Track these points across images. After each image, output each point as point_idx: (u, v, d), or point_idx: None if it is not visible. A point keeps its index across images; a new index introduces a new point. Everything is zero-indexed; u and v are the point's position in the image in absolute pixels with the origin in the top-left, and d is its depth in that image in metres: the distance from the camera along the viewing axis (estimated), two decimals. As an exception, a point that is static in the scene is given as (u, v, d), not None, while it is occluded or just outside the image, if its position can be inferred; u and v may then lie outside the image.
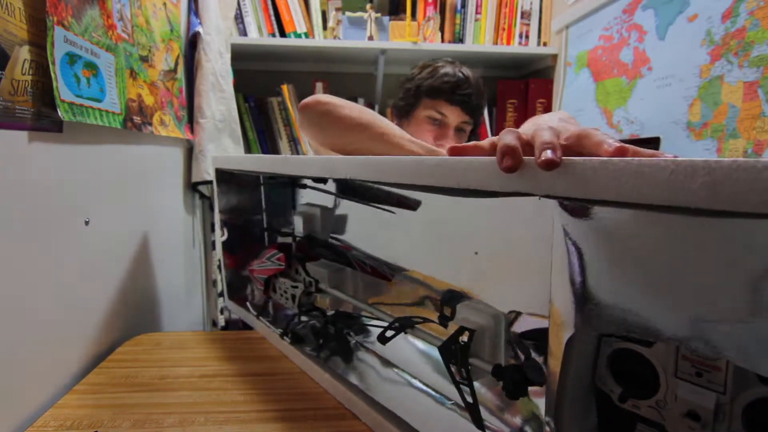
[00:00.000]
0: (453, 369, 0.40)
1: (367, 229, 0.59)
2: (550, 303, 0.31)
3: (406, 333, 0.49)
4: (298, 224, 0.68)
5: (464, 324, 0.41)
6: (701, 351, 0.27)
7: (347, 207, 0.63)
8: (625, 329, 0.27)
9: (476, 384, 0.42)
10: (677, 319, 0.24)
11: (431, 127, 0.93)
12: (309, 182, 0.70)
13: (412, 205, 0.50)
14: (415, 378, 0.51)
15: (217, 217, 0.76)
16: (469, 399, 0.38)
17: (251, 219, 0.78)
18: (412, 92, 0.94)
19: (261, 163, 0.63)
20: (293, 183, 0.74)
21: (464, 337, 0.40)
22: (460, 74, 0.91)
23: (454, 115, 0.91)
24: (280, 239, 0.76)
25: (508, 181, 0.29)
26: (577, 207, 0.27)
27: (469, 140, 0.99)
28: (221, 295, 1.16)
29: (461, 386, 0.39)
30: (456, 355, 0.40)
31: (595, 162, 0.24)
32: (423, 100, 0.93)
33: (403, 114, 0.98)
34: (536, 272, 0.35)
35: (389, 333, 0.47)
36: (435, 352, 0.51)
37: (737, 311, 0.22)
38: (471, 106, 0.91)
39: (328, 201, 0.66)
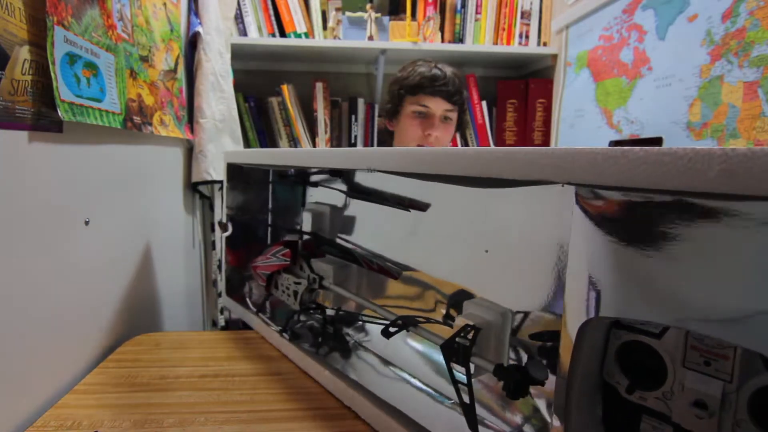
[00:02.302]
0: (453, 368, 0.40)
1: (375, 228, 0.59)
2: (564, 290, 0.31)
3: (408, 331, 0.48)
4: (306, 222, 0.68)
5: (470, 320, 0.41)
6: (715, 338, 0.27)
7: (356, 205, 0.63)
8: (640, 316, 0.27)
9: (476, 384, 0.42)
10: (694, 305, 0.25)
11: (418, 120, 1.02)
12: (319, 180, 0.70)
13: (422, 206, 0.50)
14: (414, 378, 0.51)
15: (224, 213, 0.76)
16: (466, 399, 0.38)
17: (258, 216, 0.78)
18: (396, 93, 1.04)
19: (276, 156, 0.63)
20: (303, 180, 0.75)
21: (468, 335, 0.40)
22: (436, 70, 1.01)
23: (436, 105, 1.00)
24: (287, 237, 0.76)
25: (530, 169, 0.30)
26: (597, 194, 0.28)
27: (457, 128, 1.09)
28: (221, 295, 1.16)
29: (460, 386, 0.39)
30: (458, 353, 0.40)
31: (617, 151, 0.26)
32: (407, 98, 1.03)
33: (392, 115, 1.08)
34: (550, 266, 0.36)
35: (392, 329, 0.47)
36: (436, 355, 0.51)
37: (754, 296, 0.22)
38: (450, 95, 1.00)
39: (337, 199, 0.66)
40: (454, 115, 1.04)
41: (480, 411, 0.41)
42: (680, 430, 0.29)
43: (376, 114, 1.46)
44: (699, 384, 0.28)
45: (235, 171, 0.74)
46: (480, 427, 0.39)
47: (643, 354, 0.31)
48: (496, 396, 0.43)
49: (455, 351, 0.40)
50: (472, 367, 0.40)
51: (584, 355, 0.31)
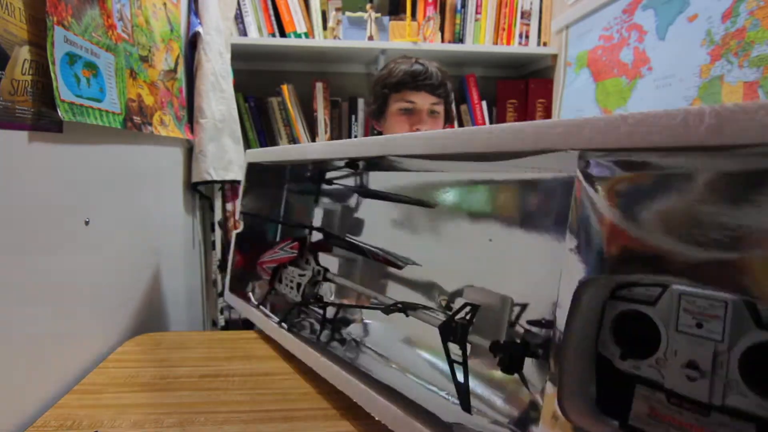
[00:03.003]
0: (450, 347, 0.41)
1: (381, 222, 0.61)
2: (565, 248, 0.33)
3: (407, 316, 0.49)
4: (318, 219, 0.70)
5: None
6: (708, 295, 0.29)
7: (367, 202, 0.64)
8: (638, 270, 0.29)
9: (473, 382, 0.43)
10: (690, 252, 0.27)
11: (404, 117, 1.01)
12: (333, 179, 0.72)
13: (430, 203, 0.52)
14: (414, 376, 0.51)
15: (239, 211, 0.78)
16: (461, 378, 0.39)
17: (271, 219, 0.80)
18: (380, 93, 1.03)
19: (296, 151, 0.64)
20: (319, 179, 0.76)
21: (467, 316, 0.41)
22: (417, 65, 0.99)
23: (422, 100, 0.99)
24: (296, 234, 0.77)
25: (538, 139, 0.32)
26: (599, 156, 0.30)
27: (445, 123, 1.07)
28: (221, 294, 1.16)
29: (455, 364, 0.40)
30: (456, 333, 0.40)
31: (618, 117, 0.28)
32: (391, 96, 1.01)
33: (377, 115, 1.07)
34: (550, 258, 0.37)
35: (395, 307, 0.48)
36: (439, 363, 0.51)
37: (744, 236, 0.25)
38: (435, 88, 0.99)
39: (349, 199, 0.67)
40: (440, 108, 1.03)
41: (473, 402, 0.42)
42: (673, 395, 0.30)
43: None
44: (691, 346, 0.29)
45: (255, 171, 0.75)
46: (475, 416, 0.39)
47: (638, 324, 0.32)
48: (487, 379, 0.44)
49: (453, 330, 0.40)
50: (468, 347, 0.40)
51: (580, 322, 0.32)
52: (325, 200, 0.74)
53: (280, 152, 0.70)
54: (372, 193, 0.63)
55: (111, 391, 0.53)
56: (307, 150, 0.62)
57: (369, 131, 1.46)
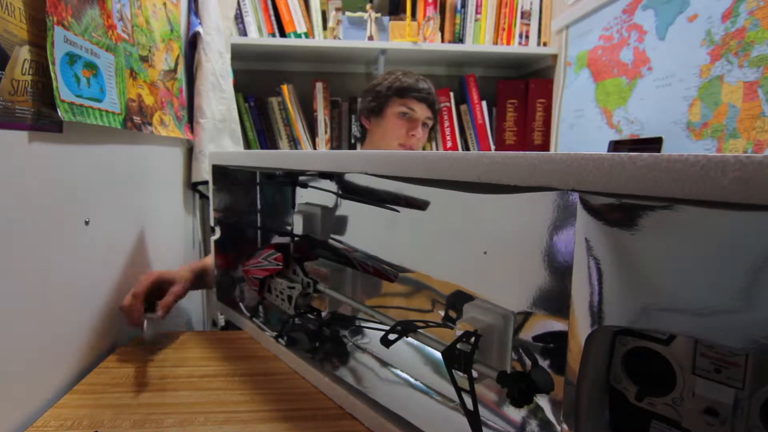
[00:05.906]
0: (455, 374, 0.39)
1: (369, 229, 0.59)
2: (570, 299, 0.30)
3: (407, 337, 0.48)
4: (297, 224, 0.68)
5: (471, 323, 0.41)
6: (723, 345, 0.27)
7: (351, 207, 0.62)
8: (649, 325, 0.27)
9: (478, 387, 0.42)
10: (704, 313, 0.24)
11: (402, 122, 1.09)
12: (310, 181, 0.70)
13: (421, 204, 0.49)
14: (415, 379, 0.51)
15: (212, 215, 0.76)
16: (470, 407, 0.37)
17: (247, 218, 0.78)
18: (383, 93, 1.10)
19: (264, 158, 0.61)
20: (293, 181, 0.74)
21: (469, 341, 0.40)
22: (422, 83, 1.11)
23: (421, 110, 1.09)
24: (277, 239, 0.76)
25: (534, 175, 0.29)
26: (603, 201, 0.27)
27: (429, 136, 1.19)
28: (221, 295, 1.15)
29: (462, 392, 0.39)
30: (459, 360, 0.39)
31: (624, 157, 0.24)
32: (393, 99, 1.09)
33: (374, 113, 1.13)
34: (553, 270, 0.35)
35: (392, 336, 0.47)
36: (435, 353, 0.51)
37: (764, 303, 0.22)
38: (432, 104, 1.10)
39: (328, 200, 0.65)
40: (431, 123, 1.13)
41: (481, 411, 0.41)
42: None
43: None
44: (710, 391, 0.28)
45: (222, 172, 0.72)
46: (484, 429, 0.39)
47: (651, 360, 0.30)
48: (497, 396, 0.43)
49: (457, 358, 0.39)
50: (474, 373, 0.39)
51: (592, 363, 0.31)
52: (304, 203, 0.70)
53: (245, 157, 0.66)
54: (354, 196, 0.60)
55: (111, 391, 0.53)
56: (273, 158, 0.58)
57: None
